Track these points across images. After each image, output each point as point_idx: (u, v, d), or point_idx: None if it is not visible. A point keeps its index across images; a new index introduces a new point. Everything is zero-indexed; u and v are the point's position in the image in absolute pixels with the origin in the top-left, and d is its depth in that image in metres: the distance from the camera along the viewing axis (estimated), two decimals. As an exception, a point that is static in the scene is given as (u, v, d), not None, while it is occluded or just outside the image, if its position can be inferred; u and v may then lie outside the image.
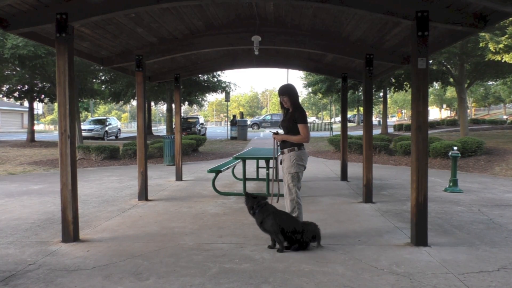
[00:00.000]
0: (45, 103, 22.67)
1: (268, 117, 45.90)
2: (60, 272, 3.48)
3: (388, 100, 39.97)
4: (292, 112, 4.50)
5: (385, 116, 24.57)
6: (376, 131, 22.38)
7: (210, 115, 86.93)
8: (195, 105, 31.93)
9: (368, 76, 6.47)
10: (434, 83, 22.56)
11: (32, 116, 20.84)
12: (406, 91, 20.89)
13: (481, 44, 12.76)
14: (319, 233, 4.14)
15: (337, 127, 29.64)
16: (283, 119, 4.64)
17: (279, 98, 4.60)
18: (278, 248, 4.04)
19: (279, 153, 4.70)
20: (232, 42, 6.64)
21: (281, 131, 4.64)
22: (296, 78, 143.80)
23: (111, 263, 3.72)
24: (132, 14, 5.12)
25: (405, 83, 19.89)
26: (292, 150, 4.42)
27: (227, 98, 25.63)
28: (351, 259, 3.80)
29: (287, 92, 4.52)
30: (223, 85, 24.50)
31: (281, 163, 4.59)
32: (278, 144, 4.61)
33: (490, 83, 33.33)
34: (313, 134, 28.14)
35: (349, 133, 13.29)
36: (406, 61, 6.50)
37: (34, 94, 19.82)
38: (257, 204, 4.12)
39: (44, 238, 4.54)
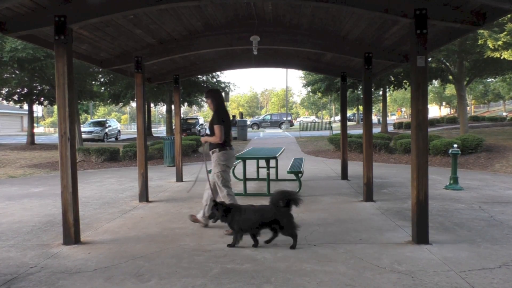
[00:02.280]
0: (45, 106, 22.68)
1: (268, 117, 45.87)
2: (61, 275, 3.48)
3: (388, 98, 39.94)
4: (213, 114, 4.94)
5: (384, 114, 24.56)
6: (376, 130, 22.38)
7: (209, 115, 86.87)
8: (194, 106, 31.94)
9: (367, 75, 6.47)
10: (434, 81, 22.57)
11: (31, 119, 20.83)
12: (406, 89, 20.89)
13: (480, 41, 12.76)
14: (284, 218, 4.03)
15: (337, 126, 29.63)
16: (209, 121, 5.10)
17: (207, 100, 5.02)
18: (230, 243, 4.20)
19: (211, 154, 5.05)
20: (231, 42, 6.64)
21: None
22: (296, 77, 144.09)
23: (113, 265, 3.72)
24: (130, 15, 5.12)
25: (405, 81, 19.89)
26: (214, 152, 4.85)
27: (227, 99, 25.63)
28: (353, 258, 3.80)
29: (210, 95, 4.98)
30: (223, 85, 24.52)
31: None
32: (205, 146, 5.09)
33: (489, 80, 33.35)
34: (313, 133, 28.17)
35: (349, 132, 13.28)
36: (405, 59, 6.50)
37: (34, 97, 19.81)
38: (225, 209, 4.23)
39: (45, 240, 4.54)
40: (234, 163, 8.04)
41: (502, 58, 12.74)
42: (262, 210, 4.15)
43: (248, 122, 37.58)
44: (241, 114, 30.08)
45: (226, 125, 4.83)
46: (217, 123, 4.75)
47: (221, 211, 4.19)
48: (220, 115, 4.82)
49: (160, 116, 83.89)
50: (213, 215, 4.28)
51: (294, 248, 4.04)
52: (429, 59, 15.60)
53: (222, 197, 4.81)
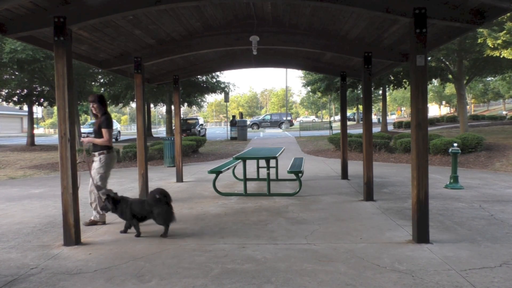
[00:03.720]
0: (45, 107, 22.68)
1: (268, 117, 45.87)
2: (62, 276, 3.49)
3: (387, 97, 39.95)
4: (99, 118, 5.18)
5: (384, 114, 24.57)
6: (376, 129, 22.38)
7: (209, 116, 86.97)
8: (194, 106, 31.94)
9: (367, 74, 6.47)
10: (433, 80, 22.57)
11: (31, 120, 20.85)
12: (405, 88, 20.89)
13: (479, 40, 12.76)
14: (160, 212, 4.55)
15: (336, 125, 29.65)
16: (93, 124, 5.39)
17: (92, 105, 5.23)
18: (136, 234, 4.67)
19: (93, 155, 5.26)
20: (231, 42, 6.64)
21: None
22: (295, 77, 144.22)
23: (113, 265, 3.72)
24: (130, 16, 5.13)
25: (404, 80, 19.88)
26: (102, 154, 5.12)
27: (226, 99, 25.63)
28: (353, 257, 3.80)
29: (97, 101, 5.19)
30: (222, 85, 24.51)
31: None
32: (87, 147, 5.34)
33: (489, 79, 33.32)
34: (313, 133, 28.17)
35: (349, 131, 13.28)
36: (404, 59, 6.50)
37: (33, 98, 19.83)
38: (114, 201, 4.69)
39: (46, 242, 4.54)
40: (234, 163, 8.09)
41: (501, 56, 12.74)
42: (143, 202, 4.68)
43: (248, 122, 37.60)
44: (241, 114, 30.07)
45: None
46: (106, 127, 5.10)
47: (111, 203, 4.65)
48: (108, 120, 5.16)
49: (160, 117, 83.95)
50: (106, 207, 4.70)
51: (164, 237, 4.57)
52: (429, 58, 15.58)
53: (100, 195, 5.06)
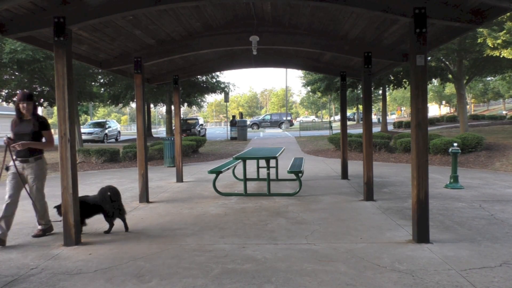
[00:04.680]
0: (45, 107, 22.69)
1: (268, 117, 45.87)
2: (62, 276, 3.49)
3: (387, 97, 39.92)
4: (35, 120, 4.58)
5: (384, 113, 24.57)
6: (376, 129, 22.37)
7: (209, 116, 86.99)
8: (194, 106, 31.95)
9: (366, 74, 6.47)
10: (433, 79, 22.57)
11: (31, 120, 20.79)
12: (405, 88, 20.89)
13: (479, 40, 12.75)
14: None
15: (336, 125, 29.64)
16: (21, 127, 4.58)
17: (23, 104, 4.52)
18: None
19: (16, 161, 4.53)
20: (230, 42, 6.64)
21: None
22: (295, 77, 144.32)
23: (113, 265, 3.72)
24: (129, 16, 5.13)
25: (404, 80, 19.88)
26: (39, 158, 4.62)
27: (226, 99, 25.63)
28: (353, 257, 3.80)
29: (33, 99, 4.64)
30: (222, 85, 24.51)
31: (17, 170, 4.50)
32: (13, 151, 4.55)
33: (489, 78, 33.30)
34: (313, 133, 28.17)
35: (349, 131, 13.28)
36: (404, 58, 6.50)
37: (33, 98, 19.78)
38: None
39: (46, 242, 4.54)
40: (234, 163, 8.10)
41: (501, 56, 12.73)
42: (93, 199, 4.90)
43: (248, 122, 37.58)
44: (241, 114, 30.08)
45: None
46: (49, 128, 4.69)
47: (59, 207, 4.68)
48: (47, 120, 4.76)
49: (160, 117, 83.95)
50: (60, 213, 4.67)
51: (107, 233, 4.85)
52: (429, 58, 15.58)
53: (42, 204, 4.71)
